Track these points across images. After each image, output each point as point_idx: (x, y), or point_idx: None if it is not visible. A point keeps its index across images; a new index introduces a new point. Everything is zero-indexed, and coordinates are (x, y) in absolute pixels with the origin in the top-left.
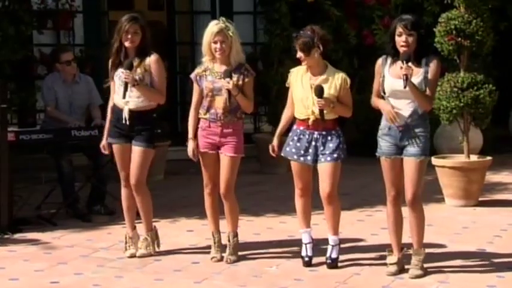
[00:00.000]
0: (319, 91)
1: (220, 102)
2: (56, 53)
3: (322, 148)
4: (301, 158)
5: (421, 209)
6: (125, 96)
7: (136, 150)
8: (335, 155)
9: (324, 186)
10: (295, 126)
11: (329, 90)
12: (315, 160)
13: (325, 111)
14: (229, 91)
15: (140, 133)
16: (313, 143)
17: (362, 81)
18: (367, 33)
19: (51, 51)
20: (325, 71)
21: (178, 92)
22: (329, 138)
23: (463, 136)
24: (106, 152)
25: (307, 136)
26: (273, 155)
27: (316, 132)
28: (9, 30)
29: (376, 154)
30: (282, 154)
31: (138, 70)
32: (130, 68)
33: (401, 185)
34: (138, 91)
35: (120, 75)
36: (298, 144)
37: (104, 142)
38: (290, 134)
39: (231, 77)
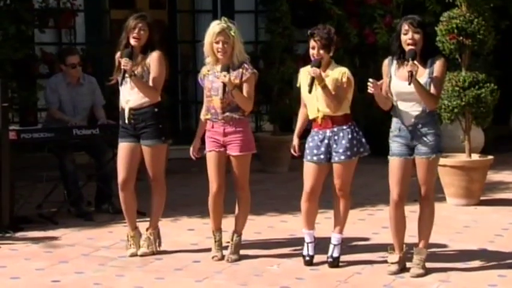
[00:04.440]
0: (316, 64)
1: (217, 101)
2: (62, 54)
3: (335, 146)
4: (315, 158)
5: (433, 208)
6: (122, 83)
7: (145, 150)
8: (348, 153)
9: (337, 183)
10: (311, 129)
11: (329, 85)
12: (329, 158)
13: (315, 83)
14: (224, 85)
15: (146, 131)
16: (326, 141)
17: (363, 80)
18: (369, 32)
19: (58, 52)
20: (329, 67)
21: (179, 90)
22: (341, 134)
23: (465, 135)
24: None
25: (319, 135)
26: (296, 155)
27: (328, 131)
28: (10, 29)
29: (389, 157)
30: (303, 159)
31: (139, 69)
32: (129, 56)
33: (405, 188)
34: (133, 83)
35: (126, 78)
36: (311, 144)
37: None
38: (308, 139)
39: (228, 71)
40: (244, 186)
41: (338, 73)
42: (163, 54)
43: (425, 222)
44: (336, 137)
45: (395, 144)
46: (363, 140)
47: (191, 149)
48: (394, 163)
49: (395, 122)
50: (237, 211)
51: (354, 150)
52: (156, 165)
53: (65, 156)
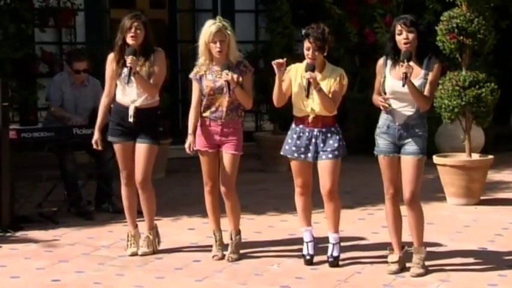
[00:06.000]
0: (311, 68)
1: (223, 100)
2: (70, 58)
3: (322, 145)
4: (302, 156)
5: (420, 208)
6: (129, 81)
7: (142, 147)
8: (336, 152)
9: (325, 183)
10: (293, 125)
11: (326, 87)
12: (315, 157)
13: (311, 88)
14: (228, 83)
15: (145, 130)
16: (314, 140)
17: (363, 79)
18: (369, 32)
19: (67, 53)
20: (324, 68)
21: (179, 90)
22: (329, 135)
23: (465, 135)
24: (99, 148)
25: (307, 134)
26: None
27: (316, 130)
28: (10, 28)
29: (374, 152)
30: (282, 153)
31: (144, 69)
32: (134, 54)
33: (399, 183)
34: (136, 81)
35: (124, 73)
36: (298, 142)
37: (96, 137)
38: (289, 133)
39: (229, 69)
40: (232, 185)
41: (337, 75)
42: (164, 52)
43: (416, 223)
44: (323, 137)
45: (382, 142)
46: (344, 143)
47: (187, 145)
48: (384, 162)
49: (384, 119)
50: (227, 210)
51: (340, 151)
52: (147, 165)
53: (65, 155)
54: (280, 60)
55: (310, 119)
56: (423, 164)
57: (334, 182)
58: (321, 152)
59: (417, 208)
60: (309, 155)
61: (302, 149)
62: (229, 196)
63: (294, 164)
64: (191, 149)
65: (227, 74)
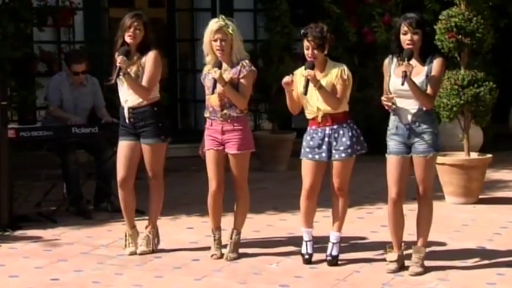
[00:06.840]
0: (310, 65)
1: (214, 98)
2: (69, 59)
3: (335, 143)
4: (316, 156)
5: (431, 207)
6: (116, 80)
7: (145, 148)
8: (349, 150)
9: (336, 181)
10: (308, 128)
11: (328, 84)
12: (329, 156)
13: (309, 86)
14: (215, 81)
15: (144, 130)
16: (326, 139)
17: (362, 79)
18: (368, 31)
19: (65, 54)
20: (326, 66)
21: (178, 89)
22: (341, 132)
23: (463, 134)
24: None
25: (319, 134)
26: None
27: (327, 128)
28: (9, 28)
29: (386, 155)
30: (300, 157)
31: (135, 67)
32: (125, 54)
33: (403, 186)
34: (126, 81)
35: (120, 76)
36: (311, 143)
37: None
38: (304, 137)
39: (220, 67)
40: (243, 185)
41: (337, 70)
42: (159, 54)
43: (424, 221)
44: (335, 135)
45: (393, 143)
46: (361, 137)
47: (200, 148)
48: (392, 161)
49: (393, 120)
50: (235, 209)
51: (353, 147)
52: (155, 163)
53: (67, 156)
54: (288, 79)
55: (319, 118)
56: (434, 161)
57: (345, 181)
58: (334, 151)
59: (429, 205)
60: (323, 154)
61: (316, 149)
62: (239, 195)
63: (305, 164)
64: (201, 152)
65: (215, 72)
